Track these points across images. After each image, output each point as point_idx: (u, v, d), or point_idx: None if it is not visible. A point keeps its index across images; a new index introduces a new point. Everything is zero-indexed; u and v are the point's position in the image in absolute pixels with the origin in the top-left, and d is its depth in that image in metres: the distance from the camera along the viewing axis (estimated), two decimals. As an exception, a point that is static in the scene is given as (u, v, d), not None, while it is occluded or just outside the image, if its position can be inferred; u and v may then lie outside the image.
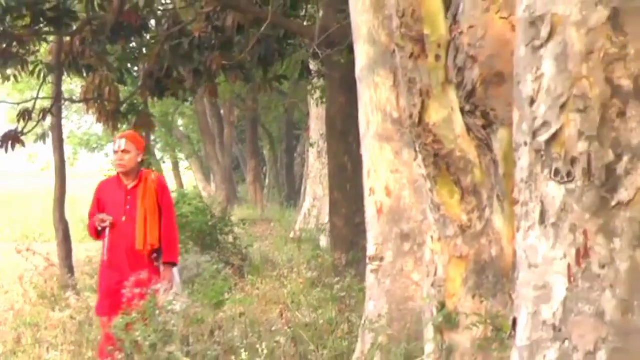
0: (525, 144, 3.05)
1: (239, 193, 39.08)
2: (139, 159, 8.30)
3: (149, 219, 8.09)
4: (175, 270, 8.21)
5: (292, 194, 35.79)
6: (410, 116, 4.38)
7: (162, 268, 8.09)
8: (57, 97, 14.20)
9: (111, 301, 7.89)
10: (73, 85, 30.69)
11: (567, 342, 2.94)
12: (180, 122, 40.63)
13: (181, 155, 42.27)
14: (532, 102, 3.01)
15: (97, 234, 8.25)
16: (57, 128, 14.51)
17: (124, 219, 8.08)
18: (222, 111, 34.95)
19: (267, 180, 41.56)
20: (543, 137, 2.96)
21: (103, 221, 8.05)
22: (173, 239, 8.35)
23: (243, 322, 8.58)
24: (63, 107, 15.96)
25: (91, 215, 8.37)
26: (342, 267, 10.91)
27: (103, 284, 8.25)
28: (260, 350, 5.98)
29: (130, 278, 7.47)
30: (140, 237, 8.05)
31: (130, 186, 8.21)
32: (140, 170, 8.34)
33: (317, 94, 17.63)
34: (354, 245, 11.85)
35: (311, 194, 22.85)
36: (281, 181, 40.50)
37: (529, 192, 3.06)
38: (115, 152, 8.26)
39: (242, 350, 6.01)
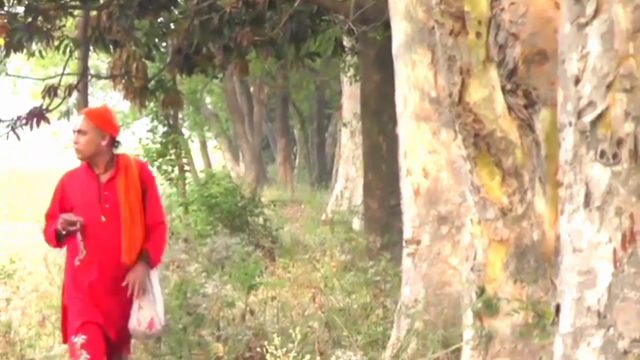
0: (570, 124, 3.05)
1: (268, 173, 39.24)
2: (104, 143, 6.42)
3: (136, 222, 6.40)
4: (153, 273, 6.58)
5: (323, 175, 35.90)
6: (450, 95, 4.39)
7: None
8: (84, 73, 14.32)
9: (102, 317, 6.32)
10: (98, 60, 30.83)
11: (612, 329, 2.94)
12: (208, 100, 40.72)
13: (209, 134, 42.36)
14: (577, 81, 3.00)
15: (58, 240, 6.42)
16: (84, 104, 14.58)
17: (102, 219, 6.34)
18: (251, 89, 35.06)
19: (297, 161, 41.70)
20: (588, 118, 2.96)
21: (71, 223, 6.20)
22: (160, 243, 6.68)
23: (275, 306, 8.62)
24: (88, 83, 16.04)
25: (50, 217, 6.55)
26: (376, 250, 10.94)
27: (78, 304, 6.38)
28: (293, 334, 5.99)
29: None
30: (127, 247, 6.34)
31: (105, 178, 6.44)
32: (114, 156, 6.54)
33: (351, 71, 17.62)
34: (389, 228, 11.87)
35: (343, 175, 22.89)
36: (312, 161, 40.62)
37: (574, 174, 3.06)
38: (73, 131, 6.53)
39: (275, 335, 6.02)
